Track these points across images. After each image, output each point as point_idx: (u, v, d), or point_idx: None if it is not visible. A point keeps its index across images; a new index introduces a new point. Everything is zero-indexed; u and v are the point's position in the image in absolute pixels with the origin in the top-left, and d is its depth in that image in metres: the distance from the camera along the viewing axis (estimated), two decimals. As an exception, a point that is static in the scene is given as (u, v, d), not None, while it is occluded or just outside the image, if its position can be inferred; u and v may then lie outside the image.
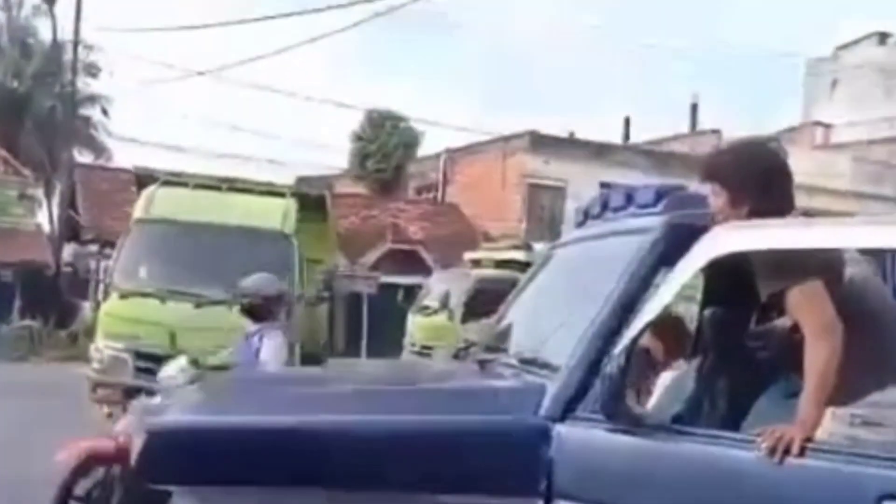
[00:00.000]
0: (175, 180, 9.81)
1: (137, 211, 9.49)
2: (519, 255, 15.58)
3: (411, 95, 51.61)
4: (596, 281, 3.09)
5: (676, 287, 2.67)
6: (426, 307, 15.90)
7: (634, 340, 2.72)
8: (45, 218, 25.87)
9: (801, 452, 2.29)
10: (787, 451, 2.30)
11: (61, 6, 22.32)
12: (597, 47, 58.13)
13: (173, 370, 5.24)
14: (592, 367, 2.75)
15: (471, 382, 3.31)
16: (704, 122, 28.70)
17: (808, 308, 2.44)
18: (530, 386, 2.89)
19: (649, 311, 2.69)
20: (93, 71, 28.06)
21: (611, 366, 2.62)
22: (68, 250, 22.55)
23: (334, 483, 2.74)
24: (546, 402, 2.77)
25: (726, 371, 2.99)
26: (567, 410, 2.75)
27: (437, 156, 27.36)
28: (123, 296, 8.65)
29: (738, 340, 2.83)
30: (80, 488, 4.51)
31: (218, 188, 9.70)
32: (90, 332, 11.07)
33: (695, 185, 3.15)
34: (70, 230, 22.67)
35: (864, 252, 2.69)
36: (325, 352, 11.12)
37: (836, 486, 2.26)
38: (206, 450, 2.77)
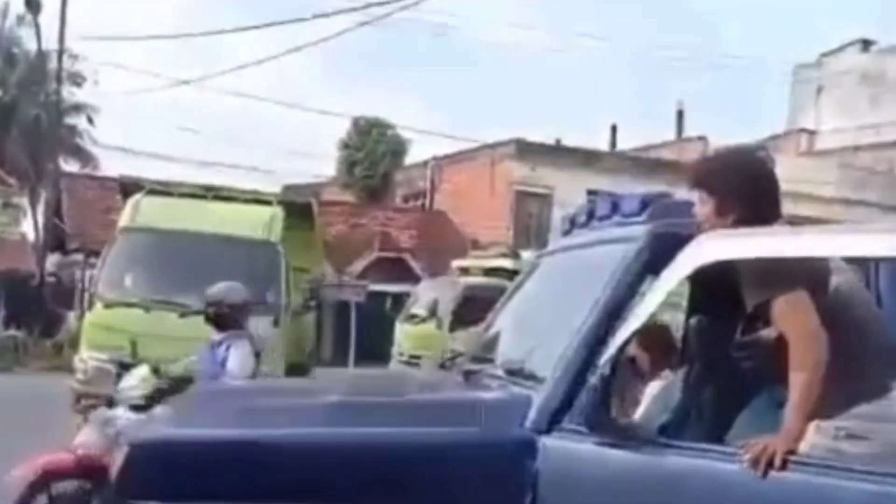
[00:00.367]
0: (160, 189, 9.74)
1: (122, 220, 9.42)
2: (507, 263, 15.58)
3: (398, 103, 51.68)
4: (581, 290, 3.08)
5: (661, 296, 2.66)
6: (414, 315, 15.88)
7: (619, 351, 2.71)
8: (30, 227, 25.74)
9: (784, 465, 2.28)
10: (769, 464, 2.28)
11: (46, 16, 22.21)
12: (583, 55, 58.42)
13: (134, 380, 5.15)
14: (578, 378, 2.73)
15: (456, 394, 3.29)
16: (691, 129, 28.84)
17: (793, 318, 2.42)
18: (516, 398, 2.87)
19: (634, 320, 2.68)
20: (78, 80, 27.95)
21: (595, 377, 2.60)
22: (52, 260, 22.40)
23: (320, 497, 2.70)
24: (532, 414, 2.75)
25: (712, 381, 2.98)
26: (553, 422, 2.73)
27: (425, 163, 27.36)
28: (108, 305, 8.58)
29: (724, 350, 2.81)
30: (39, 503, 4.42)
31: (203, 197, 9.63)
32: (75, 343, 10.97)
33: (682, 192, 3.14)
34: (55, 239, 22.53)
35: (849, 260, 2.68)
36: (311, 361, 11.05)
37: (817, 499, 2.25)
38: (189, 465, 2.73)
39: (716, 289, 2.81)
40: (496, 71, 54.49)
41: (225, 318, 5.36)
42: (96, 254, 13.40)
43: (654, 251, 2.86)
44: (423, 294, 16.39)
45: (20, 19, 27.76)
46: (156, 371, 5.26)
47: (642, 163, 25.35)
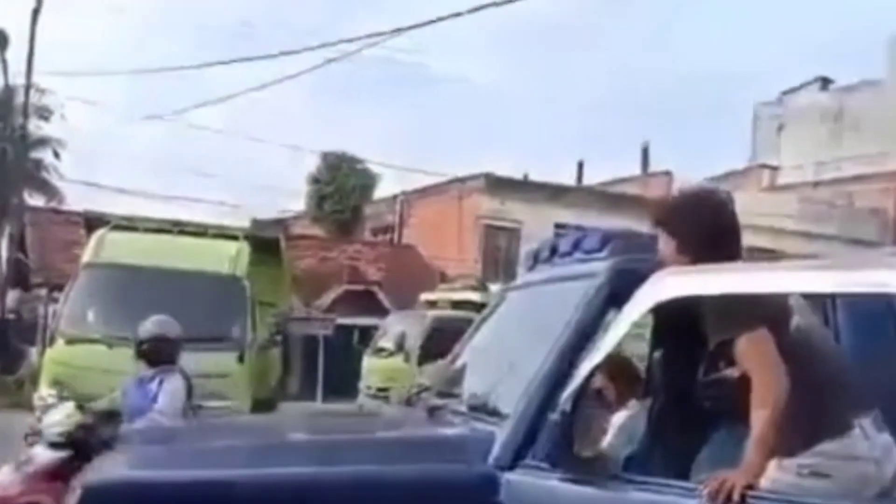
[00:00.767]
0: (125, 224, 9.67)
1: (86, 255, 9.32)
2: (474, 296, 15.62)
3: (367, 138, 51.86)
4: (544, 326, 3.11)
5: (621, 332, 2.69)
6: (382, 349, 15.80)
7: (582, 386, 2.73)
8: (-8, 262, 25.25)
9: (743, 500, 2.29)
10: (728, 499, 2.30)
11: (13, 50, 22.09)
12: (549, 91, 59.18)
13: (58, 416, 5.02)
14: (541, 414, 2.75)
15: (419, 431, 3.29)
16: (656, 164, 29.23)
17: (755, 356, 2.45)
18: (479, 434, 2.87)
19: (595, 356, 2.71)
20: (45, 114, 27.71)
21: (557, 413, 2.62)
22: (12, 296, 22.02)
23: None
24: (495, 451, 2.76)
25: (675, 416, 3.01)
26: (516, 458, 2.74)
27: (394, 197, 27.43)
28: (70, 342, 8.46)
29: (687, 385, 2.85)
30: None
31: (169, 232, 9.58)
32: (36, 379, 10.76)
33: (647, 227, 3.19)
34: (17, 274, 22.16)
35: (806, 297, 2.73)
36: (277, 396, 10.94)
37: None
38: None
39: (678, 323, 2.85)
40: (464, 107, 54.97)
41: (157, 354, 5.29)
42: (60, 288, 13.20)
43: (614, 287, 2.90)
44: (391, 327, 16.32)
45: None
46: (80, 407, 5.14)
47: (608, 197, 25.62)
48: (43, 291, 20.66)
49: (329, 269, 23.68)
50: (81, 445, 4.35)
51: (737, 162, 34.48)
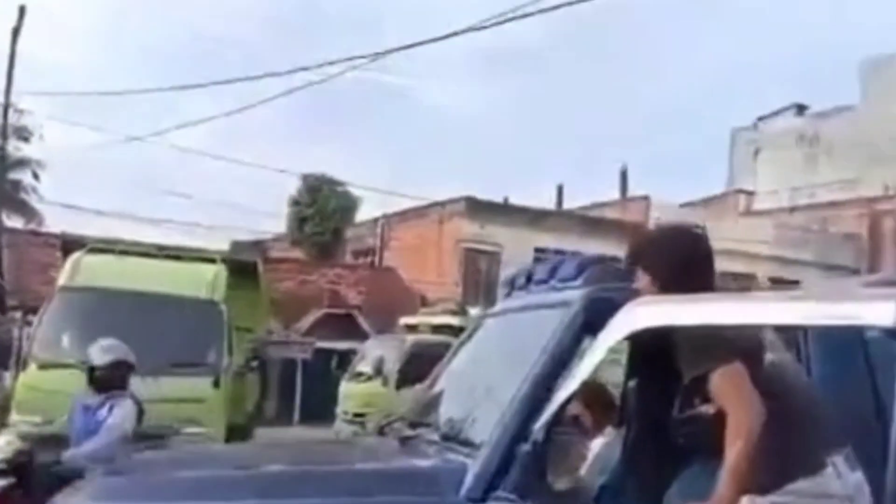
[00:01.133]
0: (102, 247, 9.55)
1: (62, 278, 9.19)
2: (454, 320, 15.61)
3: (348, 161, 51.89)
4: (518, 355, 3.10)
5: (596, 361, 2.68)
6: (360, 373, 15.70)
7: (555, 416, 2.72)
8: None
9: None
10: None
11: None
12: (530, 116, 59.59)
13: (1, 442, 4.94)
14: (513, 444, 2.73)
15: (391, 462, 3.25)
16: (634, 189, 29.46)
17: (730, 390, 2.44)
18: (452, 465, 2.85)
19: (569, 385, 2.70)
20: (24, 135, 27.52)
21: (528, 445, 2.60)
22: (-15, 318, 21.72)
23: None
24: (468, 482, 2.73)
25: (649, 447, 2.99)
26: (489, 490, 2.72)
27: (375, 220, 27.41)
28: (42, 366, 8.31)
29: (662, 416, 2.84)
30: None
31: (146, 255, 9.48)
32: (7, 404, 10.59)
33: (624, 257, 3.20)
34: (-8, 296, 21.88)
35: (779, 329, 2.73)
36: (253, 422, 10.82)
37: None
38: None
39: (652, 353, 2.85)
40: (445, 131, 55.24)
41: (112, 380, 5.20)
42: (35, 311, 13.04)
43: (589, 316, 2.90)
44: (370, 352, 16.24)
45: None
46: (23, 435, 5.06)
47: (588, 221, 25.76)
48: (18, 314, 20.41)
49: (309, 292, 23.58)
50: (22, 472, 4.30)
51: (714, 186, 34.88)
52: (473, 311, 15.46)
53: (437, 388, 3.81)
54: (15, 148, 26.47)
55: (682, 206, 29.28)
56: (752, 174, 34.68)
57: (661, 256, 2.76)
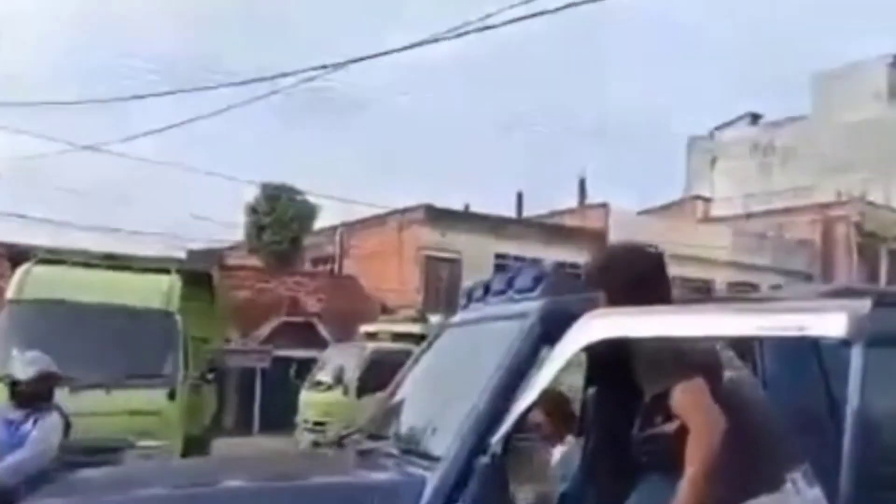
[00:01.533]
0: (52, 258, 9.32)
1: (10, 291, 8.93)
2: (415, 328, 15.55)
3: (306, 170, 51.60)
4: (476, 367, 3.08)
5: (553, 372, 2.68)
6: (320, 382, 15.57)
7: (514, 428, 2.70)
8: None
9: None
10: None
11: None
12: (489, 124, 59.88)
13: None
14: (472, 457, 2.71)
15: (349, 476, 3.21)
16: (593, 196, 29.71)
17: (691, 404, 2.44)
18: (410, 478, 2.82)
19: (527, 396, 2.69)
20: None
21: (486, 458, 2.58)
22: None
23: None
24: (426, 496, 2.71)
25: (608, 458, 2.99)
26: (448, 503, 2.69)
27: (334, 228, 27.26)
28: (-9, 381, 8.09)
29: (620, 427, 2.83)
30: None
31: (98, 265, 9.27)
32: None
33: (584, 258, 3.20)
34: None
35: (735, 340, 2.74)
36: (210, 434, 10.65)
37: None
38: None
39: (609, 363, 2.85)
40: (404, 139, 55.20)
41: (39, 394, 5.00)
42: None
43: (546, 327, 2.89)
44: (330, 360, 16.11)
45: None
46: None
47: (548, 229, 25.92)
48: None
49: (267, 300, 23.35)
50: None
51: (672, 193, 35.34)
52: (434, 319, 15.44)
53: (395, 399, 3.78)
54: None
55: (640, 213, 29.64)
56: (708, 182, 35.25)
57: (614, 277, 2.77)
